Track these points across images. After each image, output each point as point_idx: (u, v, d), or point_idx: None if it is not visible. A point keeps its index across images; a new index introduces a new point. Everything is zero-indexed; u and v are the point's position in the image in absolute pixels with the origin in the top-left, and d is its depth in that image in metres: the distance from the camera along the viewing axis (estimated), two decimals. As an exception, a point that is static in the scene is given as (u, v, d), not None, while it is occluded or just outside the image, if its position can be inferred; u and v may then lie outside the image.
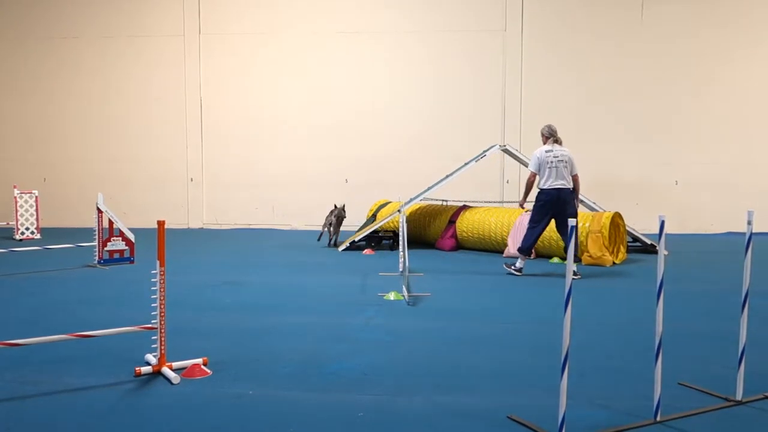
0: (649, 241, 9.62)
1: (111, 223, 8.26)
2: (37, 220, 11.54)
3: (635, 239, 9.76)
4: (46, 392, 3.52)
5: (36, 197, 11.56)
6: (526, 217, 8.62)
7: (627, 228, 9.13)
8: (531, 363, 4.07)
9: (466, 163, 9.85)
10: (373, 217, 10.94)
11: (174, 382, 3.65)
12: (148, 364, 3.90)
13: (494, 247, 9.52)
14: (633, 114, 12.97)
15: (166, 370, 3.76)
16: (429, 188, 9.77)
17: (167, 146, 13.86)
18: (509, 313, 5.65)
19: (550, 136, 7.47)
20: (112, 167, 13.93)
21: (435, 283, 6.93)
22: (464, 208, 10.26)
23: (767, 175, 12.81)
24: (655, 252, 9.36)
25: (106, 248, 8.25)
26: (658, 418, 3.09)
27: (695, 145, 12.93)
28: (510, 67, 13.13)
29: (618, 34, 12.96)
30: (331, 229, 10.27)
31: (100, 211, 8.16)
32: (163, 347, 3.79)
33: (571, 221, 2.79)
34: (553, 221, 7.44)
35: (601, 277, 7.58)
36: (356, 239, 9.94)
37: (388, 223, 10.06)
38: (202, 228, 13.84)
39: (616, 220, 8.76)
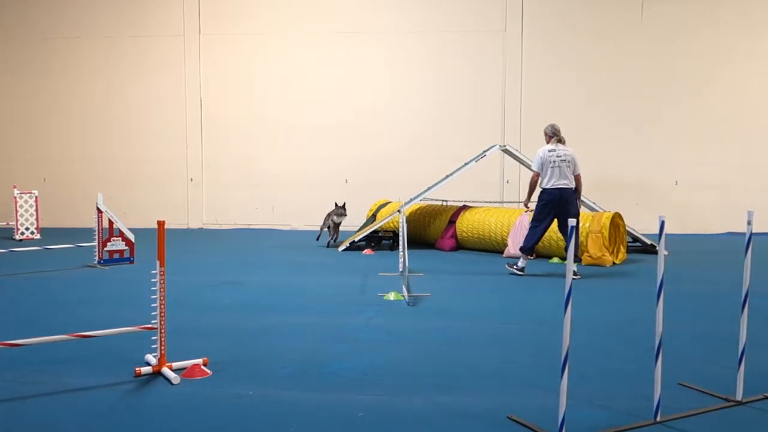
0: (649, 241, 9.62)
1: (111, 223, 8.25)
2: (37, 220, 11.53)
3: (635, 239, 9.76)
4: (46, 392, 3.52)
5: (36, 197, 11.56)
6: (526, 217, 8.63)
7: (627, 228, 9.13)
8: (531, 363, 4.07)
9: (466, 163, 9.84)
10: (373, 217, 10.94)
11: (174, 382, 3.65)
12: (148, 364, 3.90)
13: (494, 248, 9.52)
14: (633, 114, 12.97)
15: (166, 370, 3.76)
16: (429, 188, 9.77)
17: (167, 146, 13.86)
18: (509, 313, 5.65)
19: (554, 135, 7.45)
20: (112, 167, 13.93)
21: (435, 283, 6.93)
22: (464, 208, 10.26)
23: (767, 175, 12.82)
24: (655, 252, 9.36)
25: (106, 248, 8.25)
26: (658, 419, 3.09)
27: (695, 145, 12.93)
28: (510, 67, 13.13)
29: (618, 34, 12.96)
30: (331, 229, 10.27)
31: (100, 211, 8.16)
32: (163, 347, 3.79)
33: (571, 221, 2.79)
34: (555, 221, 7.44)
35: (601, 277, 7.58)
36: (356, 239, 9.94)
37: (388, 223, 10.06)
38: (202, 228, 13.84)
39: (616, 220, 8.76)
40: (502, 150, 10.14)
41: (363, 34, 13.43)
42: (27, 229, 11.39)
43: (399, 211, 8.72)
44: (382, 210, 10.96)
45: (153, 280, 3.77)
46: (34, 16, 14.01)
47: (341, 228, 10.42)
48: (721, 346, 4.40)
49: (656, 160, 12.97)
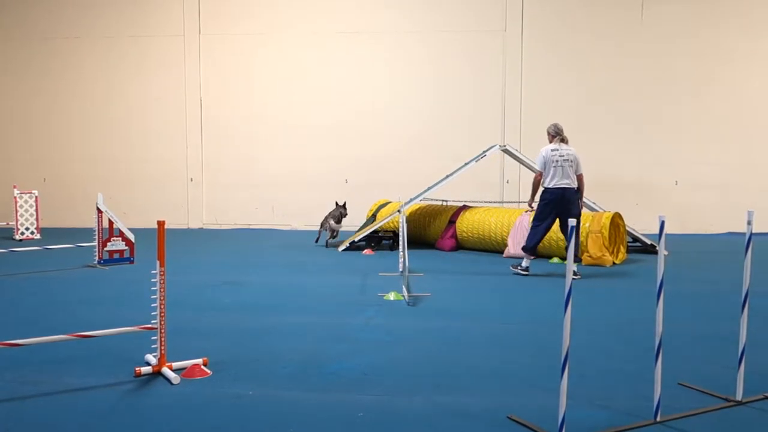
0: (649, 242, 9.61)
1: (111, 223, 8.25)
2: (37, 220, 11.53)
3: (635, 239, 9.76)
4: (46, 392, 3.52)
5: (36, 197, 11.56)
6: (526, 218, 8.63)
7: (627, 228, 9.13)
8: (531, 363, 4.07)
9: (466, 163, 9.84)
10: (373, 217, 10.94)
11: (174, 382, 3.65)
12: (148, 364, 3.90)
13: (494, 248, 9.52)
14: (633, 114, 12.97)
15: (166, 370, 3.76)
16: (429, 188, 9.77)
17: (167, 146, 13.86)
18: (509, 313, 5.65)
19: (557, 134, 7.44)
20: (112, 167, 13.93)
21: (435, 283, 6.93)
22: (464, 208, 10.26)
23: (767, 175, 12.82)
24: (655, 252, 9.36)
25: (106, 248, 8.25)
26: (658, 419, 3.09)
27: (695, 145, 12.93)
28: (510, 67, 13.13)
29: (618, 34, 12.96)
30: (330, 229, 10.26)
31: (100, 211, 8.15)
32: (163, 347, 3.79)
33: (571, 221, 2.79)
34: (557, 221, 7.43)
35: (601, 277, 7.58)
36: (356, 239, 9.94)
37: (388, 223, 10.06)
38: (201, 228, 13.84)
39: (616, 220, 8.76)
40: (502, 150, 10.14)
41: (363, 34, 13.44)
42: (27, 229, 11.39)
43: (399, 211, 8.72)
44: (382, 210, 10.96)
45: (153, 280, 3.77)
46: (34, 16, 14.01)
47: (341, 228, 10.42)
48: (721, 346, 4.40)
49: (656, 160, 12.97)
